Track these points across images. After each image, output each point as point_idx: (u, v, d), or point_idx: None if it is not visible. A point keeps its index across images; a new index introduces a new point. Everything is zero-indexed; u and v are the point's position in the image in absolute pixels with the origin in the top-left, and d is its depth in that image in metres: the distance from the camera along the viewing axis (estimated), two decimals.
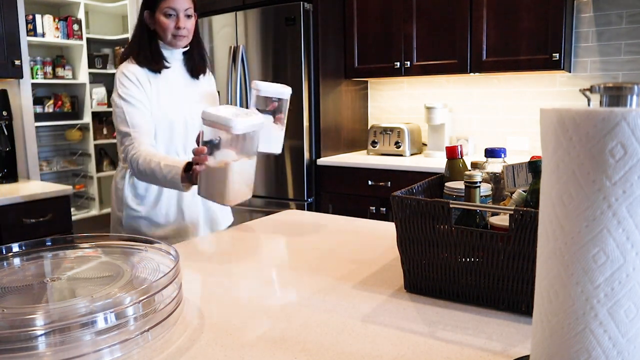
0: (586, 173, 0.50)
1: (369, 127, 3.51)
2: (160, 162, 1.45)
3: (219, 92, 3.45)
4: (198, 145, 1.38)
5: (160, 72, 1.64)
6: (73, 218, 4.15)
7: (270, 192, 3.30)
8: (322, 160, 3.16)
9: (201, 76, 1.75)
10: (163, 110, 1.62)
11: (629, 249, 0.50)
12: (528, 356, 0.66)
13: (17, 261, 1.00)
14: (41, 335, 0.70)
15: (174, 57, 1.68)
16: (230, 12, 3.32)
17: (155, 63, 1.64)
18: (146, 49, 1.63)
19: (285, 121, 1.60)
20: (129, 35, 3.60)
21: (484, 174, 1.14)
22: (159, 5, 1.58)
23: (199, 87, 1.76)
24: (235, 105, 3.34)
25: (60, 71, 4.34)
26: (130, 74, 1.60)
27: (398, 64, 3.12)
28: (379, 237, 1.41)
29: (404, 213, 0.95)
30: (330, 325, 0.86)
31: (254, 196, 3.39)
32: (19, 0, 2.69)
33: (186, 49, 1.69)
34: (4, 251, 1.00)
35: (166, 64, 1.66)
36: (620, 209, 0.49)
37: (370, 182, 2.98)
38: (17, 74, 2.62)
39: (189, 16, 1.62)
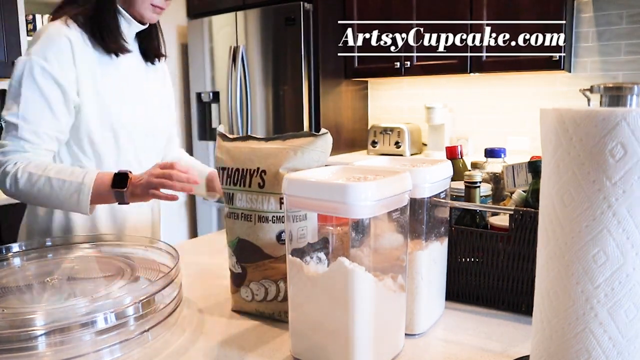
0: (586, 173, 0.50)
1: (369, 127, 3.50)
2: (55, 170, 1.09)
3: (218, 92, 3.46)
4: None
5: (116, 56, 1.19)
6: None
7: None
8: None
9: (157, 61, 1.34)
10: (109, 110, 1.18)
11: (629, 249, 0.50)
12: (528, 356, 0.66)
13: (17, 261, 1.00)
14: (41, 335, 0.70)
15: (130, 36, 1.23)
16: (230, 12, 3.32)
17: (113, 41, 1.17)
18: (108, 14, 1.15)
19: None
20: None
21: (484, 174, 1.14)
22: None
23: (156, 80, 1.34)
24: (235, 106, 3.34)
25: None
26: (66, 43, 1.10)
27: (398, 64, 3.12)
28: None
29: None
30: None
31: None
32: (19, 0, 2.69)
33: (145, 26, 1.25)
34: (3, 251, 1.00)
35: (126, 45, 1.20)
36: (620, 209, 0.49)
37: None
38: None
39: None
